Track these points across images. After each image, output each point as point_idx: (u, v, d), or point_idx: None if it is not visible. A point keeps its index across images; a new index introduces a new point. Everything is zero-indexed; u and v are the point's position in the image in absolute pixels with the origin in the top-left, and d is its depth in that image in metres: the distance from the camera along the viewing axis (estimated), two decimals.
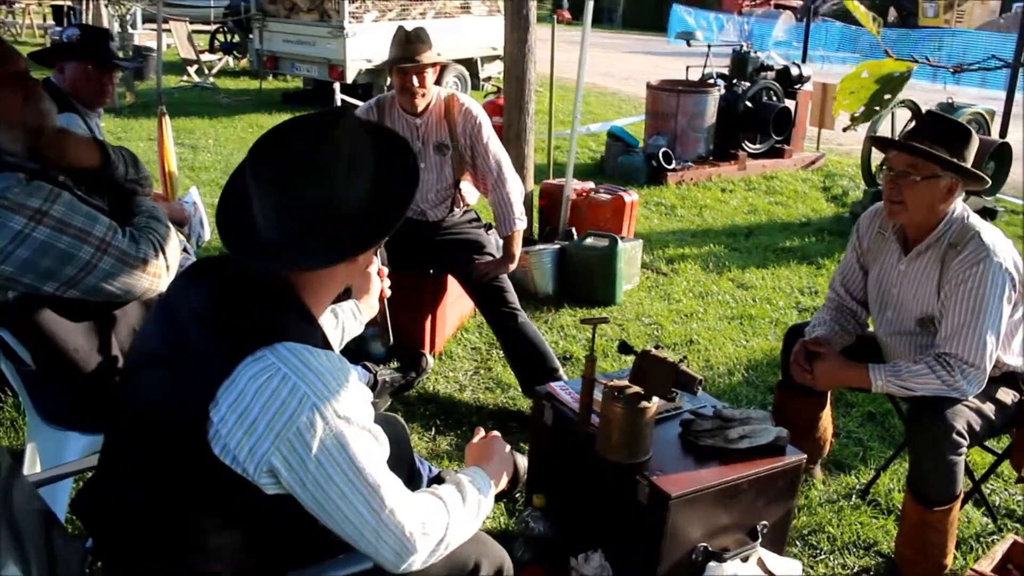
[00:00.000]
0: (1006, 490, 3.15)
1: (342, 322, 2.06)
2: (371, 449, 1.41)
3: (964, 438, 2.41)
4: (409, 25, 3.54)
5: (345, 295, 2.04)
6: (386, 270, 2.15)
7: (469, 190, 3.83)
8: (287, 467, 1.34)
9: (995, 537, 2.86)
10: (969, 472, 2.88)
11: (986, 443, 2.80)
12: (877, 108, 0.95)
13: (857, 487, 3.14)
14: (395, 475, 1.45)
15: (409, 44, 3.42)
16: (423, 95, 3.49)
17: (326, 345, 1.45)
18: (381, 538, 1.41)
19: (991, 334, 2.41)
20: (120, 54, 11.93)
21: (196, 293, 1.46)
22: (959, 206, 2.54)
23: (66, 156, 2.14)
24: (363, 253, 1.53)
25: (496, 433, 1.91)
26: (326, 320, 2.00)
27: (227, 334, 1.38)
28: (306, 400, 1.33)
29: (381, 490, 1.40)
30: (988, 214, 7.06)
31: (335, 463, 1.36)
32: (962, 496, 2.54)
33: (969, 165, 2.45)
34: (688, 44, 9.21)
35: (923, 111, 5.79)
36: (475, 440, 1.90)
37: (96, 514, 1.55)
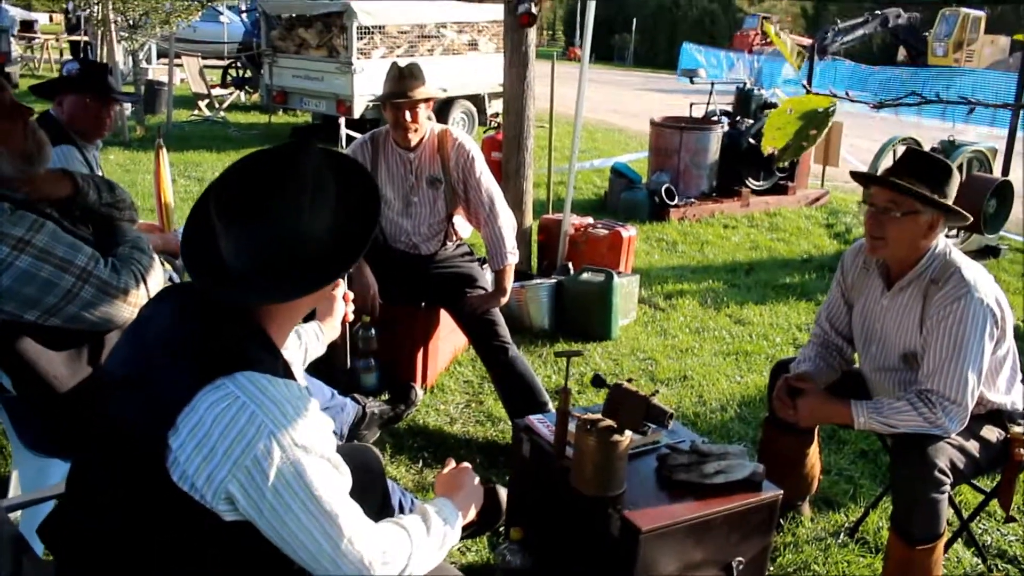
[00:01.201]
0: (998, 530, 3.12)
1: (305, 343, 2.09)
2: (330, 478, 1.41)
3: (947, 475, 2.39)
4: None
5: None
6: (351, 295, 2.18)
7: (462, 224, 3.86)
8: (244, 494, 1.35)
9: None
10: (958, 511, 2.86)
11: (976, 482, 2.78)
12: (804, 144, 0.97)
13: (846, 525, 3.10)
14: (357, 504, 1.45)
15: (402, 80, 3.47)
16: (416, 130, 3.54)
17: (287, 375, 1.46)
18: (339, 567, 1.41)
19: (972, 371, 2.40)
20: (132, 88, 12.06)
21: (162, 318, 1.48)
22: (941, 242, 2.55)
23: (39, 191, 2.18)
24: (328, 285, 1.54)
25: (466, 464, 1.91)
26: (290, 340, 2.01)
27: (189, 362, 1.39)
28: (263, 428, 1.34)
29: (339, 519, 1.40)
30: (991, 252, 7.04)
31: (292, 491, 1.36)
32: (948, 535, 2.51)
33: (950, 202, 2.46)
34: (691, 81, 9.28)
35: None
36: (444, 471, 1.90)
37: (63, 539, 1.55)
